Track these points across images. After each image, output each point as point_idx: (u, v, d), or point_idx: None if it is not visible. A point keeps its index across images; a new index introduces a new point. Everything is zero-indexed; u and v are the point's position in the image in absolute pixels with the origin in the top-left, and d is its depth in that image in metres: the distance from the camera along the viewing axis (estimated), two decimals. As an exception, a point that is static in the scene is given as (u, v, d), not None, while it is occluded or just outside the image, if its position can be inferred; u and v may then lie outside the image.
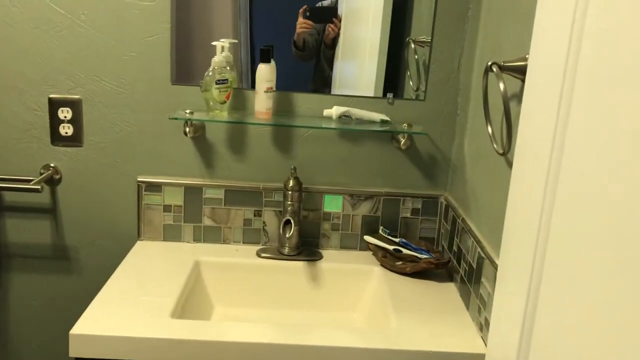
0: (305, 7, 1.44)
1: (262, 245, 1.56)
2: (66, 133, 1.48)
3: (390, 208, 1.55)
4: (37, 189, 1.41)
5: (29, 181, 1.45)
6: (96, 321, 1.14)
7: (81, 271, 1.58)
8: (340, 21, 1.46)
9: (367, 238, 1.52)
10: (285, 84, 1.46)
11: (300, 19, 1.45)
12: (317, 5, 1.44)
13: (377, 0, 1.46)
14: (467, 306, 1.29)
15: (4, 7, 1.41)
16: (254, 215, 1.54)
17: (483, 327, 1.16)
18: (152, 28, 1.44)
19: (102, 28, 1.43)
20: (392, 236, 1.53)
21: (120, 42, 1.44)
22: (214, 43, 1.39)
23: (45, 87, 1.46)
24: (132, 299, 1.24)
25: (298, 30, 1.45)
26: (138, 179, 1.52)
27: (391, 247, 1.47)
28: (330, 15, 1.45)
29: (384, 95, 1.49)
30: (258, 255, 1.50)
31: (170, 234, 1.55)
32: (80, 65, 1.45)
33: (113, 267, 1.39)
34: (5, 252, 1.56)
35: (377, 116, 1.46)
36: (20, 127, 1.48)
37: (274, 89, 1.42)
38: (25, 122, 1.48)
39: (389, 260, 1.46)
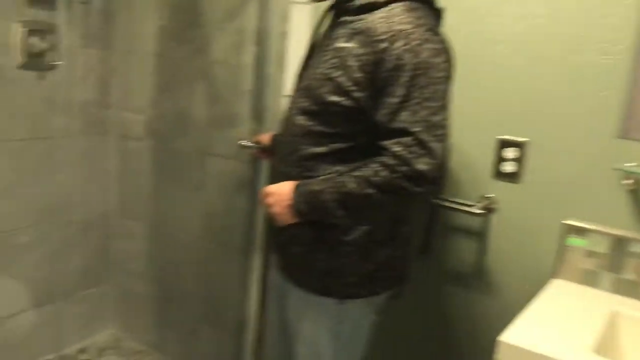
0: None
1: (689, 313, 1.47)
2: (507, 170, 1.69)
3: None
4: (482, 213, 1.66)
5: (470, 206, 1.71)
6: (520, 336, 1.29)
7: (496, 293, 1.77)
8: None
9: None
10: None
11: None
12: None
13: None
14: None
15: (472, 69, 1.71)
16: (685, 281, 1.47)
17: None
18: (606, 84, 1.53)
19: (557, 80, 1.60)
20: None
21: (572, 93, 1.58)
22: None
23: (496, 128, 1.71)
24: (551, 326, 1.35)
25: None
26: (564, 222, 1.62)
27: None
28: None
29: None
30: (684, 322, 1.43)
31: (587, 279, 1.60)
32: (531, 112, 1.64)
33: (526, 294, 1.53)
34: (439, 264, 1.87)
35: None
36: (469, 160, 1.76)
37: None
38: (473, 156, 1.75)
39: None
